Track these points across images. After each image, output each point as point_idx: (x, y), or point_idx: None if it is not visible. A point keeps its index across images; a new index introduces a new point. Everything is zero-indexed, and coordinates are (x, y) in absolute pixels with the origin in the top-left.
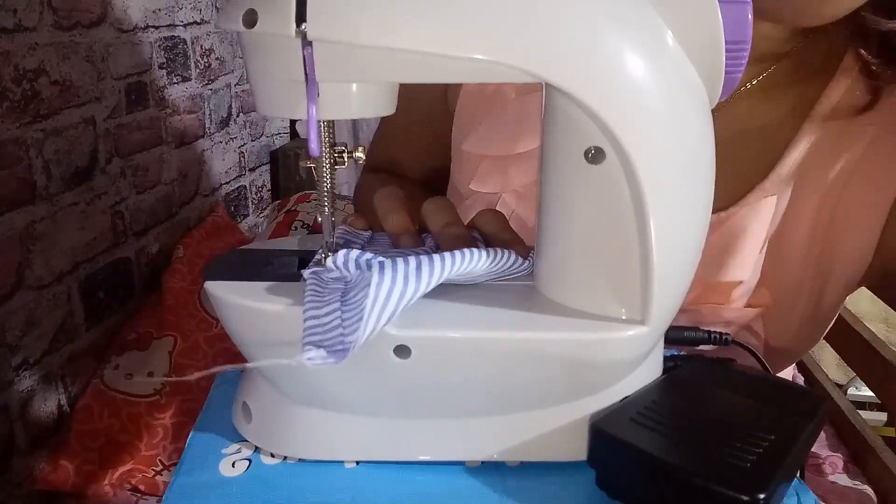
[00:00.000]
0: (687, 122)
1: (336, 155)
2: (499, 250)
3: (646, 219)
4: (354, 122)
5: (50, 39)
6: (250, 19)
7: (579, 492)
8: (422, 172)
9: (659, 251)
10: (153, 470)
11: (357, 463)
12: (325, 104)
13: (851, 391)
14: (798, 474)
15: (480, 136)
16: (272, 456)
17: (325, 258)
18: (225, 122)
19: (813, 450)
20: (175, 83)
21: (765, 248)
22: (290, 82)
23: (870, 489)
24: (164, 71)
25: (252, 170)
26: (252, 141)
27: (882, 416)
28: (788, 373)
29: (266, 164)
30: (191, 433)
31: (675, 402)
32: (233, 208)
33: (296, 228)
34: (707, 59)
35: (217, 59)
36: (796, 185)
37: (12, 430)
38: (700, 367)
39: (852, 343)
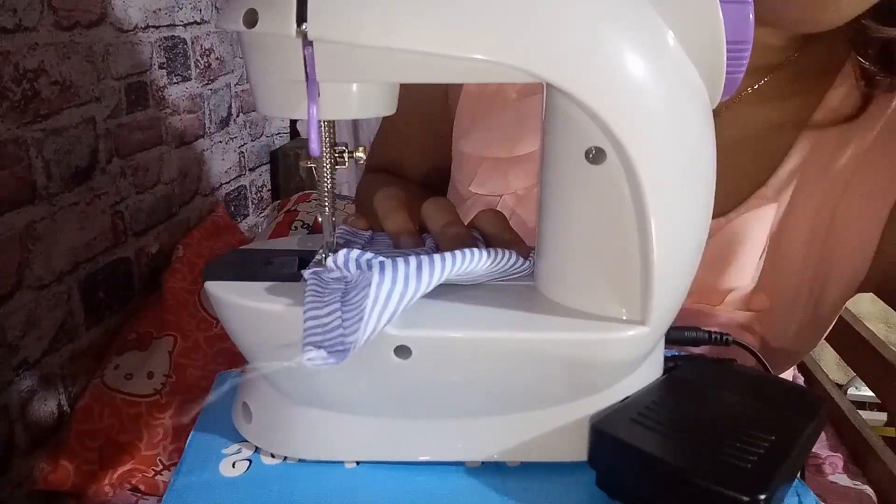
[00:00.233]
0: (687, 123)
1: (336, 155)
2: (499, 250)
3: (646, 219)
4: (355, 122)
5: (50, 39)
6: (251, 19)
7: (580, 492)
8: (422, 173)
9: (659, 251)
10: (153, 470)
11: (357, 463)
12: (326, 104)
13: (851, 391)
14: (798, 474)
15: (480, 137)
16: (272, 456)
17: (326, 258)
18: (225, 122)
19: (813, 450)
20: (175, 83)
21: (764, 254)
22: (291, 82)
23: (870, 489)
24: (164, 71)
25: (252, 170)
26: (252, 141)
27: (882, 416)
28: (788, 373)
29: (266, 164)
30: (191, 433)
31: (675, 403)
32: (233, 208)
33: (296, 228)
34: (708, 60)
35: (217, 58)
36: (795, 191)
37: (12, 430)
38: (700, 367)
39: (852, 343)
